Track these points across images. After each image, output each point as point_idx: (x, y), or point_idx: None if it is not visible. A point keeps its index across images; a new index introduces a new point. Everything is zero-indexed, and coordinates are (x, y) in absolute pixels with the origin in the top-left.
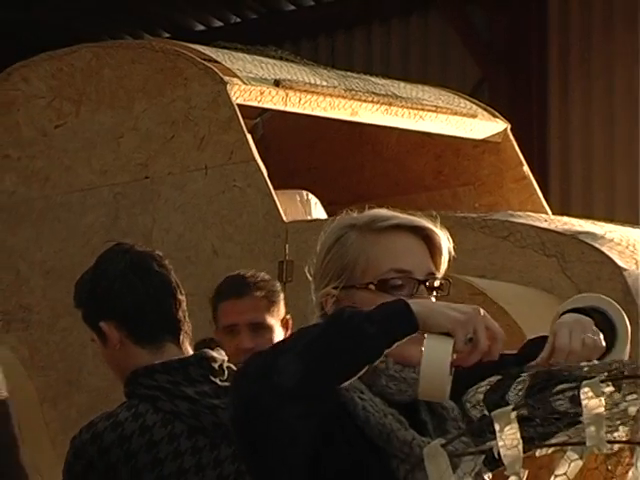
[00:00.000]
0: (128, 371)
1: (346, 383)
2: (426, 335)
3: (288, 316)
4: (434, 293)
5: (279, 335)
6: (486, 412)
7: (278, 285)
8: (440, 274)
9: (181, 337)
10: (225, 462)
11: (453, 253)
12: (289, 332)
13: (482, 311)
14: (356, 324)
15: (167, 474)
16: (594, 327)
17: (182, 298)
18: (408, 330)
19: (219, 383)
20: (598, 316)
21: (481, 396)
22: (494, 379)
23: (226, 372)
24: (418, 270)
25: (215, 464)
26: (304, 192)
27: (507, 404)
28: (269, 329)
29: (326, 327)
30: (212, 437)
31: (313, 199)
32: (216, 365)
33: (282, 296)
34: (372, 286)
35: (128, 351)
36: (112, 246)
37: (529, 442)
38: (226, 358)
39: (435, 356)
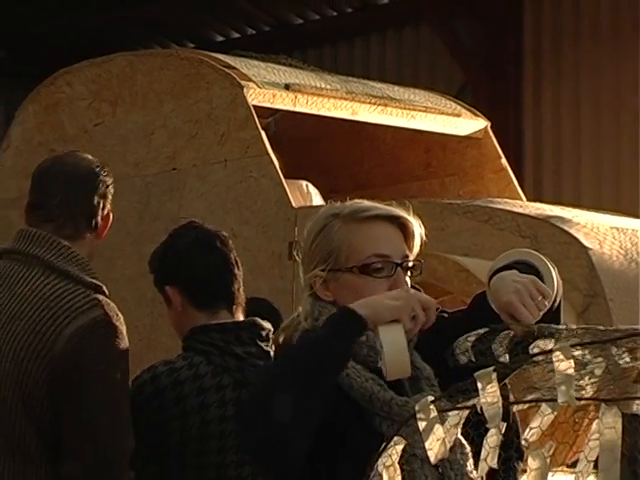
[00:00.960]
0: (187, 330)
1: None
2: (379, 328)
3: None
4: (409, 273)
5: None
6: (473, 358)
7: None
8: (413, 256)
9: (234, 306)
10: None
11: (424, 238)
12: None
13: (410, 289)
14: (319, 346)
15: (210, 419)
16: (537, 286)
17: (239, 273)
18: (360, 331)
19: (264, 347)
20: (524, 268)
21: (469, 344)
22: (482, 331)
23: (271, 340)
24: (395, 254)
25: None
26: (304, 182)
27: (492, 353)
28: None
29: (297, 357)
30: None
31: (312, 189)
32: (264, 332)
33: None
34: (356, 269)
35: (188, 313)
36: (184, 223)
37: (508, 399)
38: (272, 328)
39: (391, 343)
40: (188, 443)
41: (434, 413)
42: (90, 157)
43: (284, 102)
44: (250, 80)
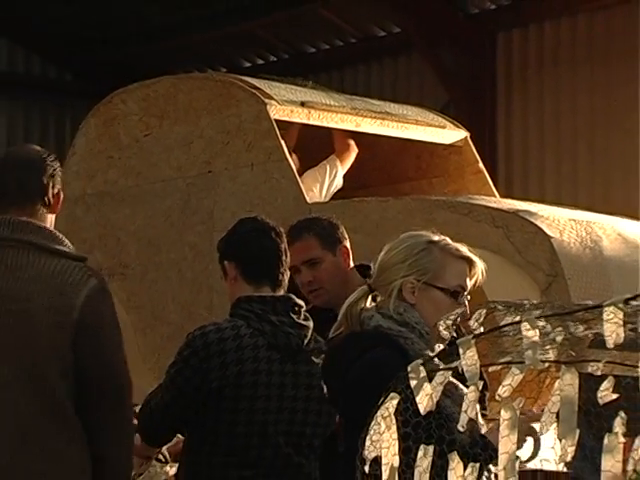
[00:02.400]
0: (236, 298)
1: None
2: None
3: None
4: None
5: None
6: (454, 333)
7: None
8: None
9: (276, 285)
10: (288, 374)
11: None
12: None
13: None
14: None
15: (245, 371)
16: None
17: (285, 260)
18: None
19: (295, 319)
20: None
21: (450, 322)
22: (460, 311)
23: (302, 314)
24: (465, 286)
25: (280, 374)
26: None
27: (471, 330)
28: (321, 261)
29: None
30: (282, 354)
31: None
32: (296, 307)
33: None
34: (447, 292)
35: (239, 284)
36: (248, 216)
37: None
38: (304, 306)
39: None
40: (225, 389)
41: (423, 373)
42: (37, 147)
43: (300, 117)
44: (272, 98)
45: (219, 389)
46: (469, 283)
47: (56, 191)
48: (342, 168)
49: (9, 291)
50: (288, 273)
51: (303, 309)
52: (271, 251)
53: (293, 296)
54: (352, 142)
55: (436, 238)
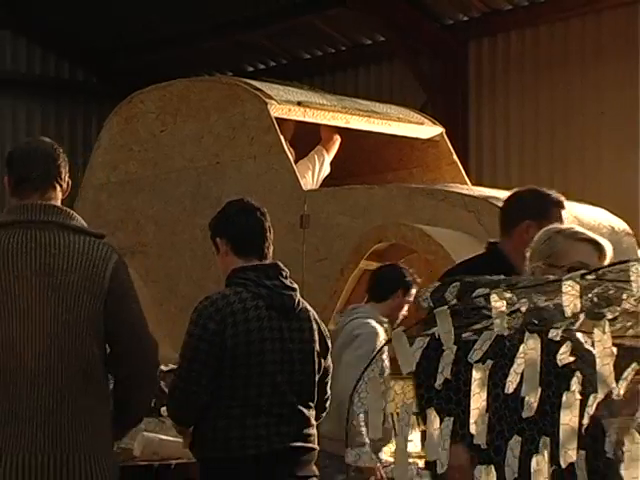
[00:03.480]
0: (228, 270)
1: None
2: None
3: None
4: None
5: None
6: (432, 304)
7: None
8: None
9: (263, 257)
10: (285, 330)
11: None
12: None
13: None
14: None
15: (252, 329)
16: None
17: (269, 236)
18: None
19: (285, 282)
20: None
21: (428, 294)
22: (437, 283)
23: (289, 279)
24: (589, 263)
25: (279, 330)
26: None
27: (446, 301)
28: None
29: None
30: (279, 312)
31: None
32: (283, 272)
33: None
34: (564, 268)
35: (229, 258)
36: (235, 198)
37: (459, 329)
38: (288, 272)
39: None
40: (238, 346)
41: (405, 339)
42: (48, 140)
43: (296, 114)
44: (272, 98)
45: (234, 347)
46: (597, 261)
47: (67, 177)
48: (328, 156)
49: (45, 266)
50: (272, 247)
51: (289, 274)
52: (257, 228)
53: (280, 263)
54: (337, 135)
55: (563, 227)
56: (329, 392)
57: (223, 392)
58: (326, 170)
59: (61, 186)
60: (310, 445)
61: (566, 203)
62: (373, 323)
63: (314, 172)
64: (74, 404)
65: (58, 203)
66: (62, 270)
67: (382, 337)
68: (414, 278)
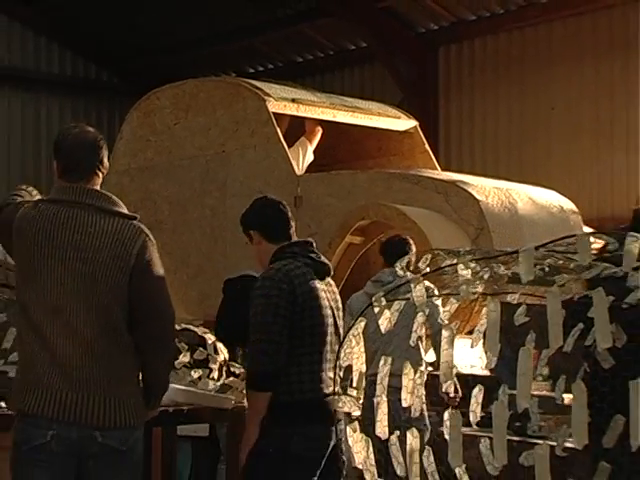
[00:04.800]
0: (263, 256)
1: None
2: None
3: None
4: None
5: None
6: (408, 274)
7: None
8: None
9: (289, 238)
10: (325, 291)
11: None
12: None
13: None
14: None
15: (309, 289)
16: None
17: (292, 222)
18: None
19: (318, 254)
20: None
21: (404, 263)
22: (411, 255)
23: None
24: None
25: (322, 291)
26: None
27: (419, 270)
28: None
29: None
30: (320, 278)
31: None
32: (315, 247)
33: None
34: None
35: (264, 246)
36: (259, 196)
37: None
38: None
39: None
40: (302, 302)
41: (384, 302)
42: (92, 129)
43: (291, 110)
44: (270, 96)
45: (303, 302)
46: None
47: (107, 162)
48: (311, 146)
49: (81, 243)
50: (294, 229)
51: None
52: (281, 217)
53: (311, 240)
54: (319, 127)
55: None
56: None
57: (291, 339)
58: (310, 158)
59: (102, 172)
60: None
61: (522, 186)
62: None
63: (299, 160)
64: (101, 355)
65: (98, 187)
66: (94, 248)
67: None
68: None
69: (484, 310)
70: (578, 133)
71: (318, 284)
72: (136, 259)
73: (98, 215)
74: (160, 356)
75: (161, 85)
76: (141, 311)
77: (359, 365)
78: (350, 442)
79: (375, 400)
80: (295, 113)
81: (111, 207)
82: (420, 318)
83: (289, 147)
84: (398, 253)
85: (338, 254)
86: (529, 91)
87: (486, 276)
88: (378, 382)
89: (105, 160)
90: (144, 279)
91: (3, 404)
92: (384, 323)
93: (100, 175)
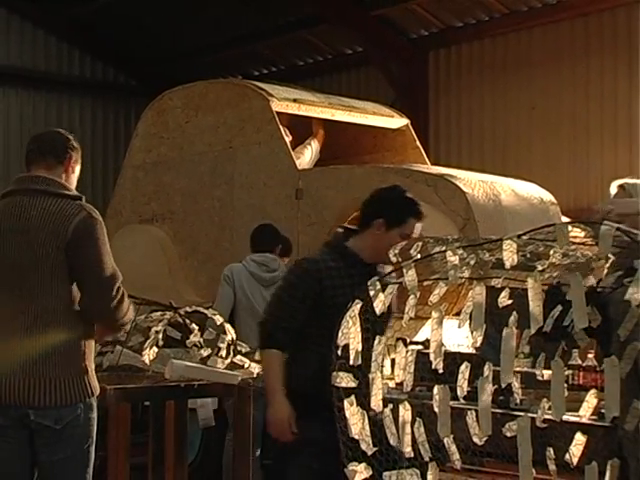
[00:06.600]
0: (383, 244)
1: None
2: None
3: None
4: None
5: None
6: (400, 259)
7: None
8: None
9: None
10: (354, 285)
11: None
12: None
13: None
14: None
15: (335, 285)
16: None
17: None
18: None
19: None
20: None
21: (397, 250)
22: (403, 243)
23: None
24: None
25: (352, 281)
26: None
27: (411, 256)
28: None
29: None
30: (347, 267)
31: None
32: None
33: None
34: None
35: (383, 233)
36: (389, 186)
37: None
38: None
39: None
40: (326, 287)
41: (379, 286)
42: (63, 131)
43: (293, 109)
44: (273, 96)
45: (327, 287)
46: None
47: (74, 159)
48: (318, 145)
49: (24, 226)
50: None
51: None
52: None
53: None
54: (322, 129)
55: None
56: None
57: (311, 321)
58: (317, 156)
59: (62, 163)
60: None
61: (505, 179)
62: None
63: (307, 156)
64: (38, 338)
65: (59, 176)
66: (35, 228)
67: None
68: None
69: (470, 293)
70: (557, 130)
71: (347, 276)
72: (72, 234)
73: (42, 197)
74: (99, 316)
75: (174, 86)
76: (79, 280)
77: (355, 344)
78: (347, 414)
79: (370, 376)
80: (296, 112)
81: (56, 190)
82: (412, 301)
83: (296, 145)
84: (265, 241)
85: None
86: (512, 92)
87: (472, 262)
88: (373, 359)
89: (70, 152)
90: (78, 250)
91: None
92: (379, 305)
93: (59, 166)
